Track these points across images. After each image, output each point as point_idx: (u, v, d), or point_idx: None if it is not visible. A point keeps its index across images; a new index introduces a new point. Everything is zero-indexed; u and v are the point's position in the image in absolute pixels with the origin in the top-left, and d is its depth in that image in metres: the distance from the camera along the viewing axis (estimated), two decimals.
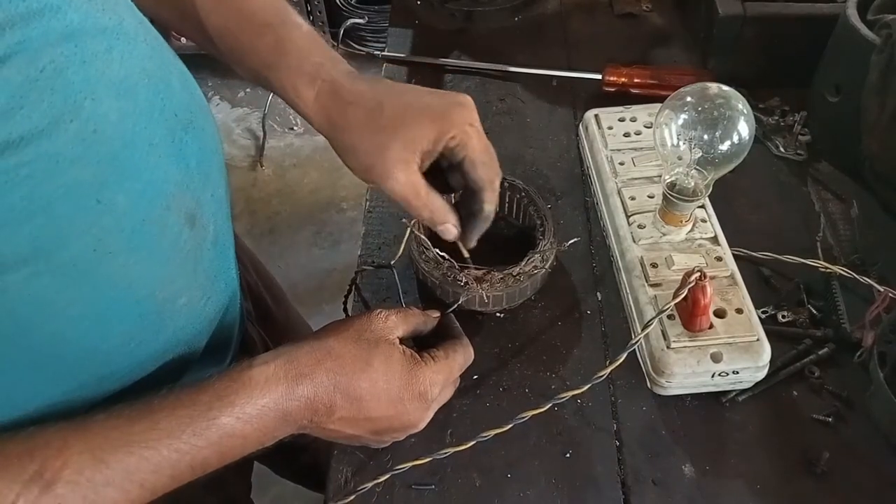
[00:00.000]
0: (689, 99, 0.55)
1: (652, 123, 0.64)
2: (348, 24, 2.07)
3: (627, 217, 0.62)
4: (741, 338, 0.53)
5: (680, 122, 0.55)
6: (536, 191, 0.63)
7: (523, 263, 0.57)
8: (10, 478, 0.35)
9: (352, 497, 0.50)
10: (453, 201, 0.54)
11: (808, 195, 0.70)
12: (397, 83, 0.52)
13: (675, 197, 0.57)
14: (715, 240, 0.60)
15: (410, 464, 0.50)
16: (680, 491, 0.51)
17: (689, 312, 0.53)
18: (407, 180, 0.48)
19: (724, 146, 0.54)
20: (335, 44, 2.04)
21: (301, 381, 0.43)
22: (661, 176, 0.60)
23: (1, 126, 0.32)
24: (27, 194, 0.33)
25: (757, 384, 0.55)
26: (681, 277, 0.52)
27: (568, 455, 0.53)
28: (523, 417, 0.50)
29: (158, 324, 0.45)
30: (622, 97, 0.78)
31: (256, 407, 0.41)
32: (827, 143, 0.73)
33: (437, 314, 0.53)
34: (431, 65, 0.86)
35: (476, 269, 0.56)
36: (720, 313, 0.54)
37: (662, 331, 0.54)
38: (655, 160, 0.66)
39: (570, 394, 0.51)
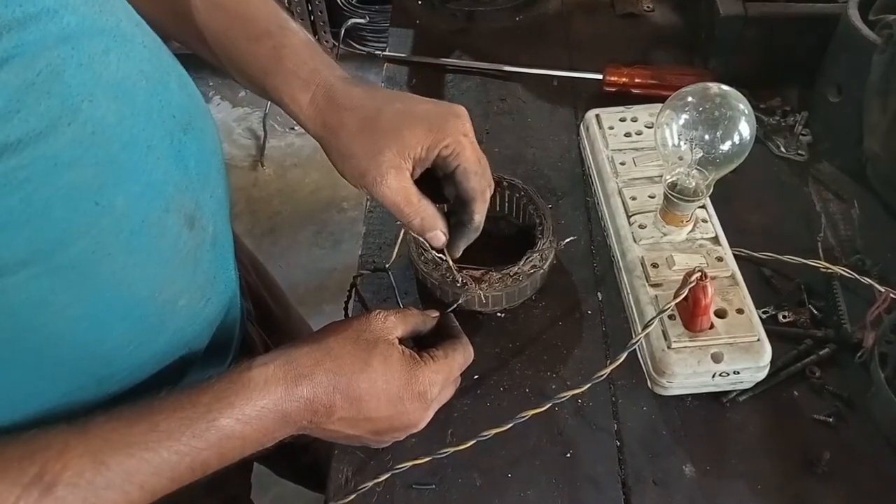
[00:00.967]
0: (690, 99, 0.55)
1: (653, 123, 0.64)
2: (349, 24, 2.07)
3: (628, 217, 0.62)
4: (742, 338, 0.53)
5: (681, 122, 0.55)
6: (536, 190, 0.63)
7: (522, 263, 0.57)
8: (10, 481, 0.35)
9: (352, 496, 0.50)
10: (445, 210, 0.54)
11: (809, 195, 0.70)
12: (392, 90, 0.52)
13: (675, 197, 0.57)
14: (716, 240, 0.60)
15: (411, 463, 0.50)
16: (680, 491, 0.51)
17: (689, 312, 0.53)
18: (399, 186, 0.48)
19: (725, 146, 0.54)
20: (336, 44, 2.04)
21: (300, 383, 0.43)
22: (661, 176, 0.60)
23: None
24: (25, 197, 0.33)
25: (758, 384, 0.55)
26: (682, 277, 0.52)
27: (568, 455, 0.53)
28: (523, 417, 0.50)
29: (158, 325, 0.45)
30: (623, 97, 0.78)
31: (256, 408, 0.41)
32: (828, 144, 0.73)
33: (435, 314, 0.53)
34: (432, 65, 0.86)
35: (475, 269, 0.56)
36: (721, 313, 0.54)
37: (663, 331, 0.54)
38: (656, 160, 0.66)
39: (571, 393, 0.51)
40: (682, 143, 0.55)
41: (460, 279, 0.56)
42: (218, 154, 0.50)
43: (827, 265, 0.59)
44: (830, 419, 0.53)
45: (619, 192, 0.64)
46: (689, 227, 0.60)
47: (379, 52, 0.90)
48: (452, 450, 0.50)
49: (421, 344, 0.50)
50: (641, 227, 0.61)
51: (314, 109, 0.49)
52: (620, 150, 0.68)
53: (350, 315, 0.62)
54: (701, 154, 0.55)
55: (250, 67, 0.50)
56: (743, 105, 0.54)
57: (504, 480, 0.52)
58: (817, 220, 0.67)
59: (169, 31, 0.53)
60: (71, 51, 0.35)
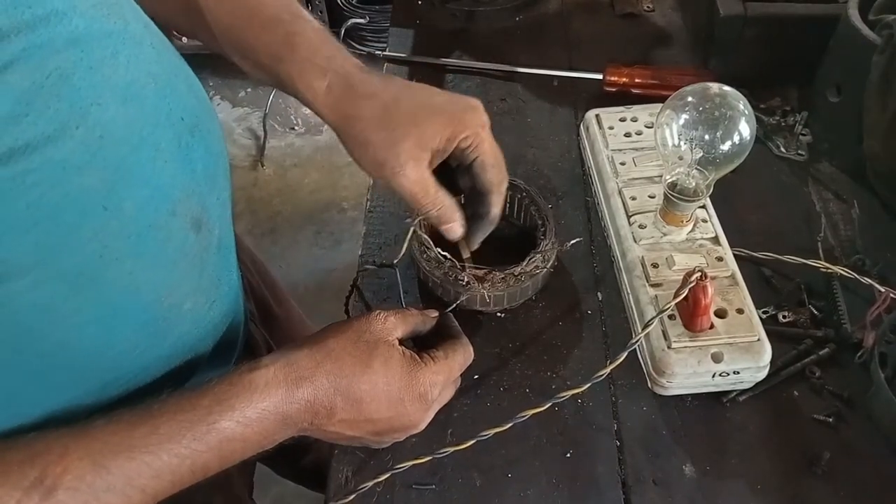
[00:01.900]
0: (690, 99, 0.55)
1: (653, 123, 0.64)
2: (349, 23, 2.07)
3: (628, 217, 0.62)
4: (742, 338, 0.53)
5: (681, 122, 0.55)
6: (538, 191, 0.63)
7: (525, 263, 0.57)
8: (10, 484, 0.35)
9: (352, 496, 0.50)
10: (461, 202, 0.54)
11: (809, 195, 0.70)
12: (408, 81, 0.52)
13: (675, 197, 0.57)
14: (716, 240, 0.60)
15: (411, 463, 0.50)
16: (680, 491, 0.51)
17: (689, 312, 0.53)
18: (418, 176, 0.48)
19: (725, 146, 0.54)
20: None
21: (301, 384, 0.43)
22: (661, 176, 0.60)
23: (7, 133, 0.31)
24: (34, 201, 0.33)
25: (758, 384, 0.55)
26: (681, 277, 0.52)
27: (568, 455, 0.53)
28: (523, 417, 0.50)
29: (164, 329, 0.45)
30: (623, 97, 0.78)
31: (256, 410, 0.41)
32: (828, 144, 0.73)
33: (435, 314, 0.53)
34: (432, 65, 0.86)
35: (477, 268, 0.57)
36: (721, 313, 0.54)
37: (663, 331, 0.54)
38: (656, 160, 0.66)
39: (571, 393, 0.51)
40: (682, 143, 0.55)
41: (464, 277, 0.56)
42: (224, 156, 0.50)
43: (827, 265, 0.59)
44: (830, 419, 0.54)
45: (619, 192, 0.64)
46: (689, 227, 0.60)
47: (379, 52, 0.90)
48: (452, 449, 0.50)
49: (420, 344, 0.50)
50: (641, 227, 0.61)
51: (331, 97, 0.48)
52: (620, 150, 0.68)
53: (351, 312, 0.62)
54: (701, 154, 0.55)
55: (262, 55, 0.50)
56: (743, 105, 0.54)
57: (504, 480, 0.52)
58: (817, 220, 0.67)
59: (179, 25, 0.53)
60: (80, 54, 0.35)
